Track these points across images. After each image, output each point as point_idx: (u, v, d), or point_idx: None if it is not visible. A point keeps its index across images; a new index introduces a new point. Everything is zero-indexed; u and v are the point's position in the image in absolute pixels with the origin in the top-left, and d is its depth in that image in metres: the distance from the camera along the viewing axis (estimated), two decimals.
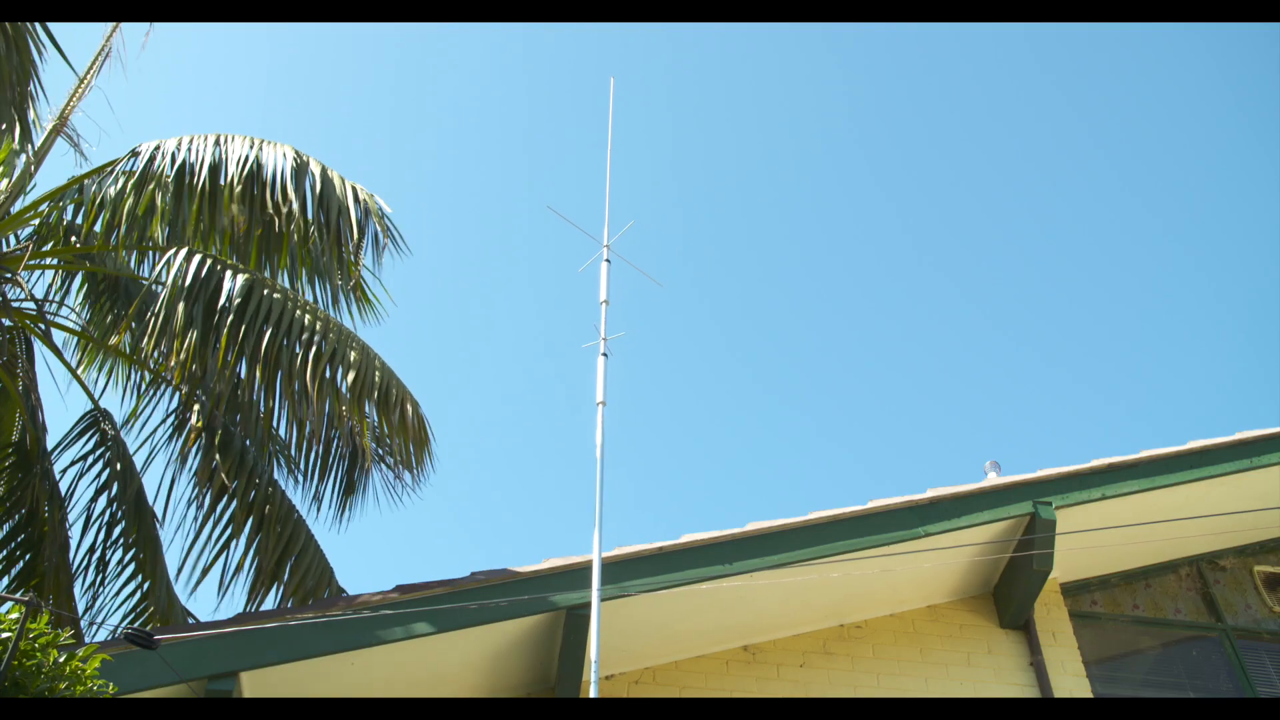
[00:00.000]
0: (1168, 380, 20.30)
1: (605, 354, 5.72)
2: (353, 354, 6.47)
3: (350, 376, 6.35)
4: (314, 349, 6.38)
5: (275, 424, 7.27)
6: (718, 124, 19.60)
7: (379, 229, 6.87)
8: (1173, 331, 20.24)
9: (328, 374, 6.35)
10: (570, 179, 18.60)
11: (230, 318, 6.36)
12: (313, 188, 6.82)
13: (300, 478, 7.56)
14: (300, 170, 6.86)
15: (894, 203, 19.84)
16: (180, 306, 6.33)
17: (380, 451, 7.32)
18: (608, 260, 6.14)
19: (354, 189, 6.92)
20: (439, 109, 19.55)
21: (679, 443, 20.34)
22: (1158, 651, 7.25)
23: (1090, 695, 6.50)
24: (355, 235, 6.67)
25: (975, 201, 19.80)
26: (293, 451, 7.62)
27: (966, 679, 6.44)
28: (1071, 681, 6.52)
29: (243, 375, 6.64)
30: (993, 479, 6.96)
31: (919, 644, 6.58)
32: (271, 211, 6.66)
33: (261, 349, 6.33)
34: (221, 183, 6.70)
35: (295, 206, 6.69)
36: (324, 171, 6.91)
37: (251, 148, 6.91)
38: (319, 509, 7.64)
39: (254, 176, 6.76)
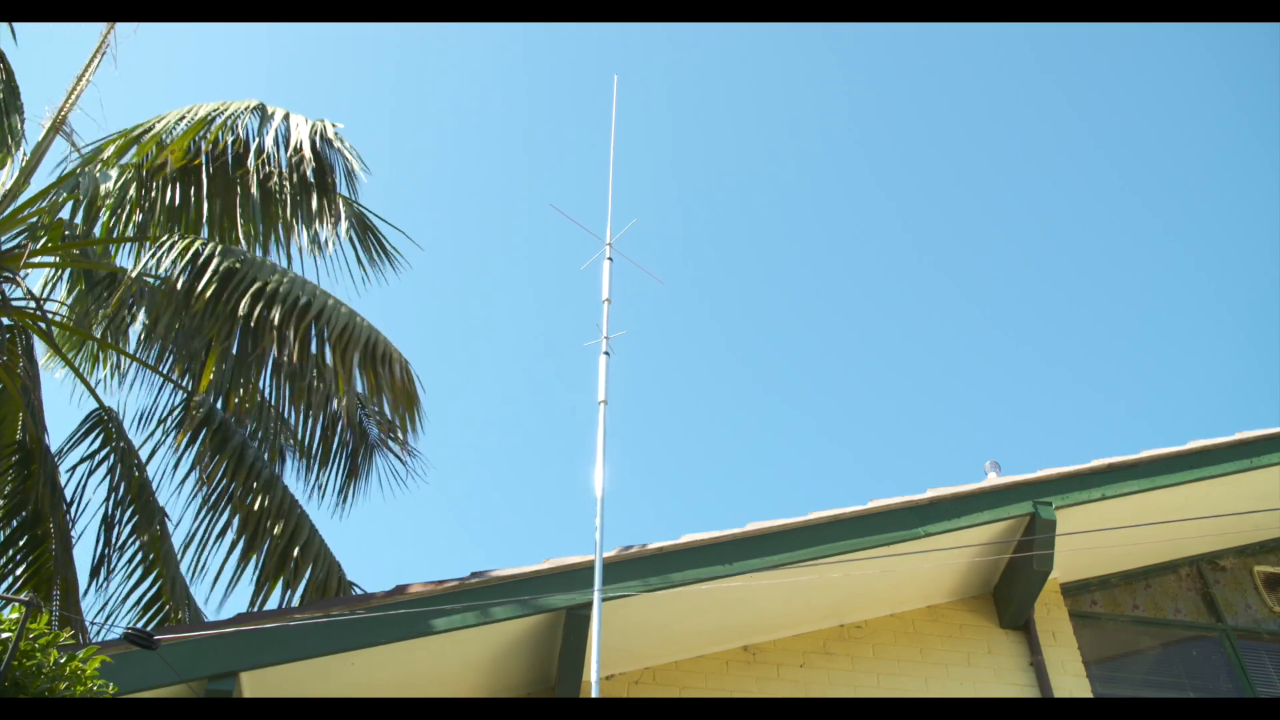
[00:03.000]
0: (1168, 380, 20.31)
1: (607, 352, 5.70)
2: (340, 310, 6.42)
3: (335, 331, 6.29)
4: (297, 306, 6.33)
5: (278, 408, 7.25)
6: (718, 124, 19.60)
7: (340, 154, 6.76)
8: (1173, 331, 20.24)
9: (313, 330, 6.32)
10: (571, 178, 18.59)
11: (213, 294, 6.34)
12: (274, 130, 6.71)
13: (304, 459, 7.53)
14: (264, 117, 6.78)
15: (894, 203, 19.85)
16: (168, 295, 6.31)
17: (366, 413, 7.28)
18: (610, 258, 6.13)
19: (309, 124, 6.77)
20: (440, 108, 19.54)
21: (679, 442, 20.34)
22: (1158, 651, 7.24)
23: (1090, 695, 6.49)
24: (312, 162, 6.54)
25: (975, 201, 19.81)
26: (296, 435, 7.59)
27: (966, 679, 6.43)
28: (1071, 681, 6.51)
29: (234, 351, 6.63)
30: (993, 479, 6.96)
31: (919, 644, 6.58)
32: (244, 164, 6.58)
33: (250, 321, 6.31)
34: (197, 154, 6.64)
35: (260, 150, 6.55)
36: (286, 115, 6.83)
37: (218, 110, 6.86)
38: (322, 495, 7.64)
39: (222, 131, 6.67)
